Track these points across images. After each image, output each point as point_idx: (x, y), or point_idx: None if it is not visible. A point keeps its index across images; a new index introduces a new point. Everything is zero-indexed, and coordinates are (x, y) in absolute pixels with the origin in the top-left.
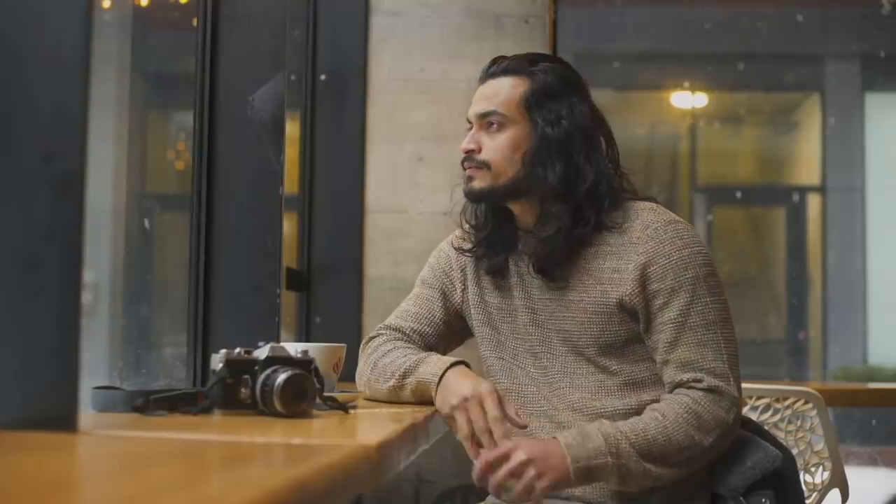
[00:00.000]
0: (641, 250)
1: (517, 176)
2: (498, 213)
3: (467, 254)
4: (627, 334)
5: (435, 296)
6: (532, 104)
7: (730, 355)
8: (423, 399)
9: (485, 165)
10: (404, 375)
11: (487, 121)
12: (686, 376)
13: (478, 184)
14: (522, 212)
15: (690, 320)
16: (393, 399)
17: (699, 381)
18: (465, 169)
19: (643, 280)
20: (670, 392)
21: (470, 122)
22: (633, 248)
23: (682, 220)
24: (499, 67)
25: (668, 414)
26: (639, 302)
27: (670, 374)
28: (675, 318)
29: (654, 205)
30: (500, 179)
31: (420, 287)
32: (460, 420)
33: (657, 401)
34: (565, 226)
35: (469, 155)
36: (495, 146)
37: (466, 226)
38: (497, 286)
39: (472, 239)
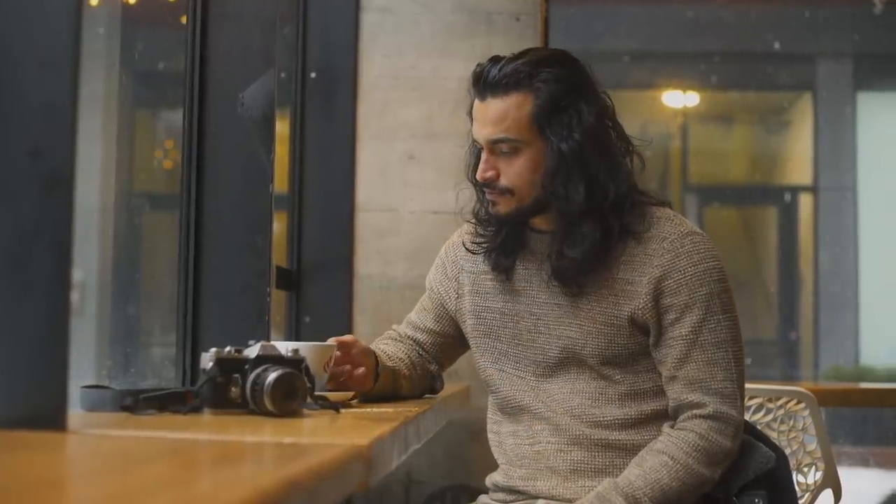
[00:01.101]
0: (657, 263)
1: (540, 196)
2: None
3: (478, 253)
4: (634, 348)
5: (429, 305)
6: (542, 121)
7: (738, 374)
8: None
9: (507, 191)
10: None
11: (500, 147)
12: (692, 397)
13: (503, 209)
14: (542, 221)
15: (702, 338)
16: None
17: (703, 405)
18: (483, 194)
19: (656, 294)
20: (673, 411)
21: (477, 143)
22: (648, 260)
23: (699, 231)
24: (498, 79)
25: (677, 457)
26: (651, 316)
27: (676, 392)
28: (686, 335)
29: (672, 213)
30: (524, 202)
31: (425, 293)
32: None
33: (657, 412)
34: (597, 242)
35: (489, 182)
36: (515, 171)
37: (476, 226)
38: (502, 290)
39: (483, 238)
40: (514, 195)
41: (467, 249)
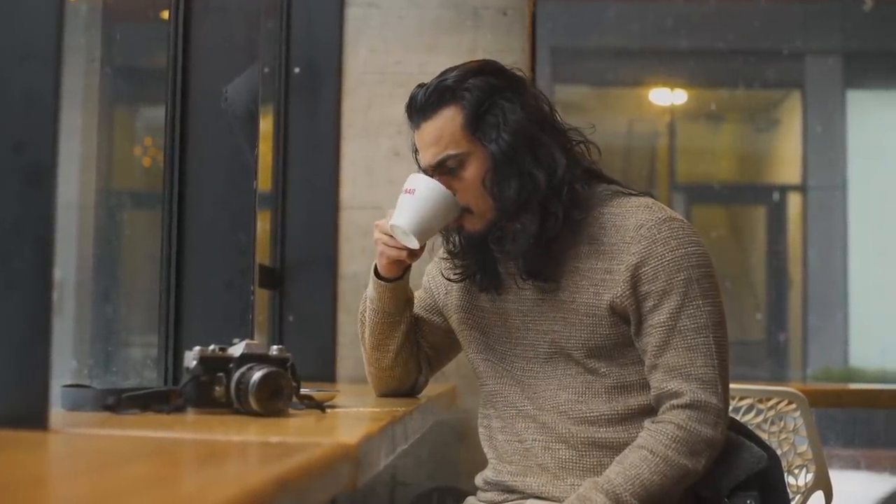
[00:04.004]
0: (634, 250)
1: (494, 204)
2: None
3: (461, 281)
4: (617, 338)
5: (422, 295)
6: (474, 128)
7: (721, 360)
8: (374, 323)
9: (466, 211)
10: (362, 313)
11: (447, 166)
12: (671, 385)
13: (471, 228)
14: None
15: (680, 324)
16: (372, 344)
17: (681, 394)
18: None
19: (634, 281)
20: (654, 401)
21: (428, 172)
22: (625, 247)
23: (678, 217)
24: (426, 102)
25: (656, 450)
26: (630, 304)
27: (657, 380)
28: (664, 322)
29: (651, 201)
30: (486, 215)
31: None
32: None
33: (644, 407)
34: (535, 233)
35: None
36: (466, 187)
37: (451, 260)
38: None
39: (460, 264)
40: (474, 213)
41: (449, 280)
